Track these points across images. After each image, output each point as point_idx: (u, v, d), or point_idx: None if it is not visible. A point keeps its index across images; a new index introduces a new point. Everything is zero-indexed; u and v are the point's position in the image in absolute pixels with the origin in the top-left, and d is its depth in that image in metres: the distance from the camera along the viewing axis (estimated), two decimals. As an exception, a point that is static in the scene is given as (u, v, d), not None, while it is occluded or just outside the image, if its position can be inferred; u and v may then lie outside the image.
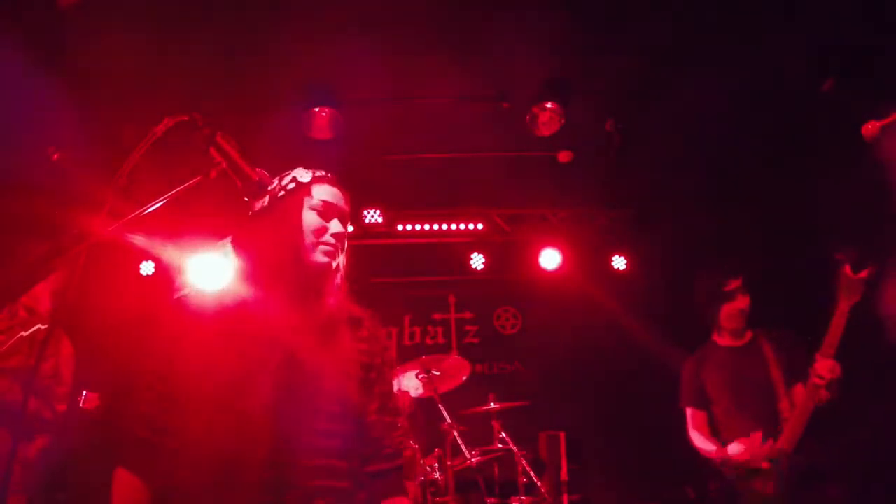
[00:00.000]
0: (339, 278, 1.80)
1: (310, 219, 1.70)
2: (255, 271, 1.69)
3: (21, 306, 3.33)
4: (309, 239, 1.69)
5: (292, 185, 1.72)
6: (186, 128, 1.23)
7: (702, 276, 3.61)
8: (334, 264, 1.73)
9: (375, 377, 1.77)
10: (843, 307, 3.00)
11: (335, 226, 1.73)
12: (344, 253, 1.79)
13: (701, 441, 3.54)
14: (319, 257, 1.69)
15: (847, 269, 3.00)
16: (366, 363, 1.76)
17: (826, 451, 3.18)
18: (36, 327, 3.17)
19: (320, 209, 1.73)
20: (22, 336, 3.12)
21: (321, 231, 1.71)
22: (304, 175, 1.76)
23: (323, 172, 1.80)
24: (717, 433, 3.50)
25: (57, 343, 3.26)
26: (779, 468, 3.15)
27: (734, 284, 3.43)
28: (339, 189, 1.80)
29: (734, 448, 3.30)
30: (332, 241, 1.71)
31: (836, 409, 3.13)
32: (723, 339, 3.61)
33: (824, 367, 3.01)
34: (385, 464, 1.75)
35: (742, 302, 3.43)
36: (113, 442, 1.66)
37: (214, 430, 1.53)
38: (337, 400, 1.66)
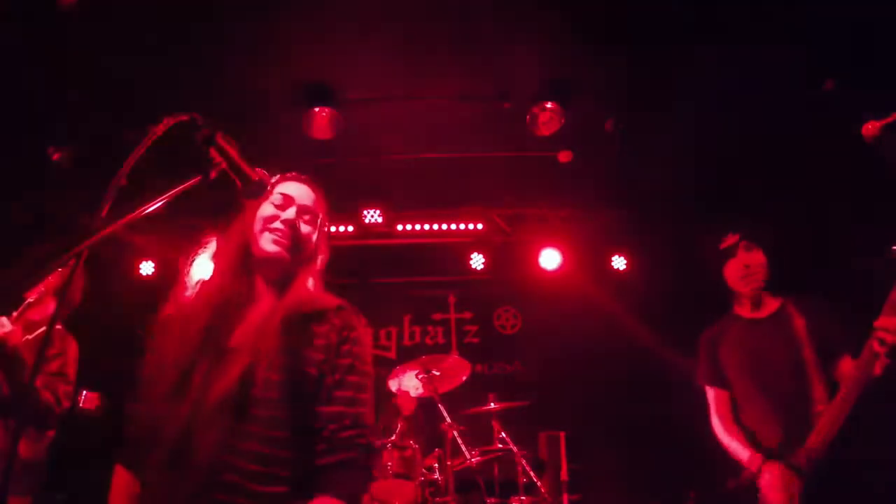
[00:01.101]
0: (308, 273, 1.75)
1: (264, 209, 1.72)
2: (217, 265, 1.74)
3: (30, 310, 3.34)
4: (258, 227, 1.71)
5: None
6: (186, 128, 1.23)
7: (706, 243, 3.18)
8: (282, 251, 1.70)
9: (328, 369, 1.62)
10: None
11: (287, 213, 1.73)
12: (305, 246, 1.75)
13: (727, 437, 2.94)
14: (267, 245, 1.69)
15: None
16: (321, 359, 1.63)
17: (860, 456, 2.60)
18: (40, 330, 3.19)
19: (278, 203, 1.74)
20: (27, 339, 3.13)
21: (271, 219, 1.71)
22: (275, 178, 1.79)
23: (296, 174, 1.85)
24: (738, 419, 2.98)
25: (62, 342, 3.29)
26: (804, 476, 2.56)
27: (732, 240, 3.00)
28: (309, 187, 1.82)
29: (767, 480, 2.67)
30: (281, 227, 1.69)
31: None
32: (743, 309, 3.06)
33: (889, 323, 2.38)
34: (321, 460, 1.57)
35: (745, 257, 2.95)
36: (113, 439, 1.71)
37: (164, 419, 1.54)
38: (276, 404, 1.56)
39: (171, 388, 1.55)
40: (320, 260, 1.83)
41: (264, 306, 1.69)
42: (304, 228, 1.76)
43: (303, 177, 1.85)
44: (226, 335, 1.63)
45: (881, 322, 2.42)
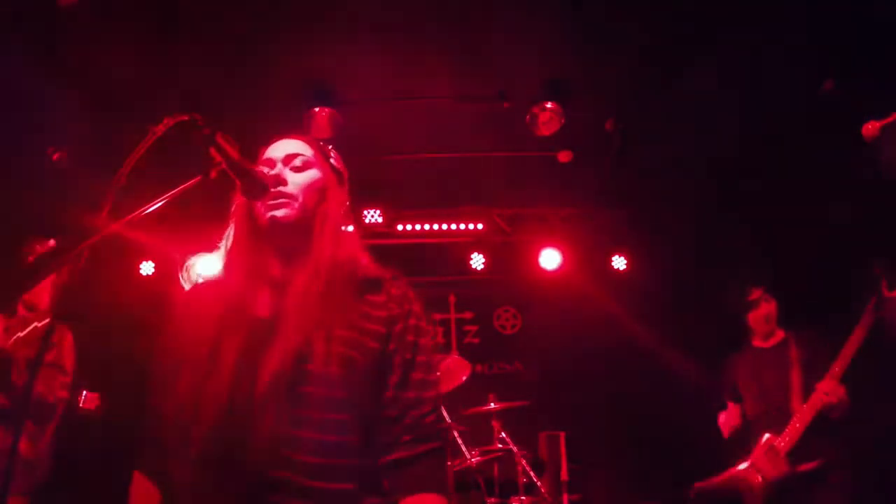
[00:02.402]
0: (328, 227, 1.54)
1: None
2: (231, 242, 1.59)
3: (21, 304, 3.34)
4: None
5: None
6: (186, 128, 1.23)
7: (730, 287, 3.89)
8: (279, 216, 1.49)
9: (393, 347, 1.47)
10: (867, 322, 3.13)
11: (272, 172, 1.53)
12: (306, 195, 1.54)
13: (723, 420, 3.83)
14: (265, 213, 1.50)
15: (884, 284, 3.11)
16: (382, 333, 1.47)
17: (823, 452, 3.27)
18: (32, 325, 3.18)
19: (266, 168, 1.56)
20: (19, 336, 3.12)
21: None
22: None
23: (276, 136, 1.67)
24: (749, 428, 3.70)
25: (56, 333, 3.26)
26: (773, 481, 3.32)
27: (756, 294, 3.70)
28: (294, 137, 1.64)
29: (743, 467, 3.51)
30: (274, 189, 1.50)
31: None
32: (755, 341, 3.81)
33: (825, 388, 3.17)
34: (404, 451, 1.42)
35: (765, 308, 3.69)
36: (130, 443, 1.54)
37: (196, 408, 1.34)
38: (336, 383, 1.37)
39: (200, 371, 1.36)
40: (336, 204, 1.60)
41: (287, 270, 1.50)
42: (297, 175, 1.56)
43: (285, 134, 1.66)
44: (248, 305, 1.45)
45: (821, 386, 3.18)
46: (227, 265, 1.55)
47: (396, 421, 1.44)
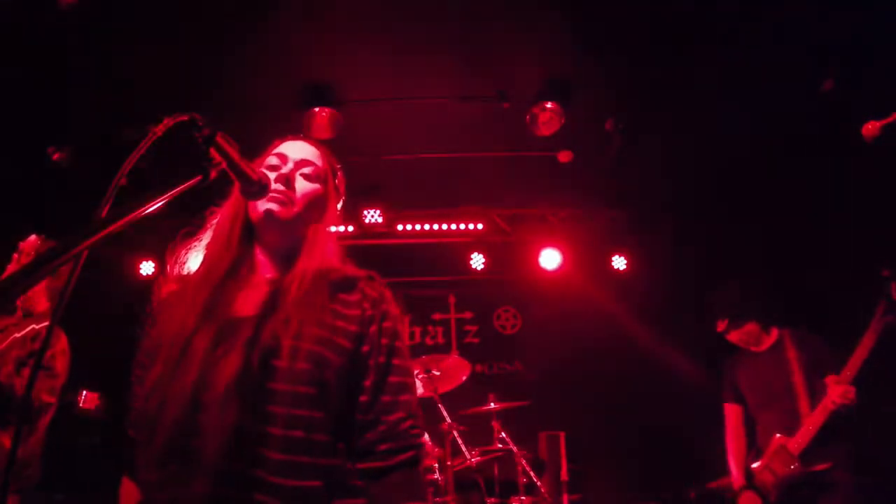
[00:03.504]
0: (319, 236, 1.54)
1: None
2: (214, 235, 1.57)
3: (18, 306, 3.32)
4: None
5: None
6: (186, 128, 1.22)
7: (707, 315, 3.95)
8: (279, 208, 1.47)
9: (367, 348, 1.43)
10: (877, 326, 3.11)
11: (282, 170, 1.53)
12: (307, 203, 1.53)
13: (728, 452, 3.80)
14: (261, 205, 1.47)
15: (893, 288, 3.10)
16: (355, 332, 1.42)
17: (833, 453, 3.29)
18: (29, 328, 3.15)
19: (273, 164, 1.55)
20: (15, 338, 3.10)
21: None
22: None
23: (293, 135, 1.66)
24: (756, 429, 3.72)
25: (52, 335, 3.22)
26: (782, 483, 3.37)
27: (721, 327, 3.77)
28: (311, 144, 1.64)
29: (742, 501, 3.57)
30: (279, 186, 1.49)
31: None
32: (750, 346, 3.84)
33: (837, 392, 3.16)
34: (380, 461, 1.40)
35: (736, 335, 3.74)
36: (113, 440, 1.56)
37: (163, 403, 1.31)
38: (304, 379, 1.33)
39: (169, 367, 1.33)
40: (331, 221, 1.59)
41: (273, 274, 1.50)
42: (304, 183, 1.54)
43: (305, 137, 1.66)
44: (227, 304, 1.42)
45: (833, 390, 3.18)
46: (210, 259, 1.52)
47: (371, 425, 1.41)
